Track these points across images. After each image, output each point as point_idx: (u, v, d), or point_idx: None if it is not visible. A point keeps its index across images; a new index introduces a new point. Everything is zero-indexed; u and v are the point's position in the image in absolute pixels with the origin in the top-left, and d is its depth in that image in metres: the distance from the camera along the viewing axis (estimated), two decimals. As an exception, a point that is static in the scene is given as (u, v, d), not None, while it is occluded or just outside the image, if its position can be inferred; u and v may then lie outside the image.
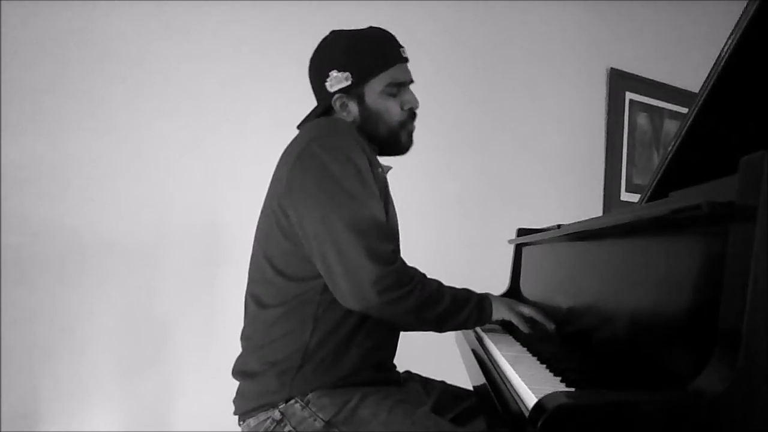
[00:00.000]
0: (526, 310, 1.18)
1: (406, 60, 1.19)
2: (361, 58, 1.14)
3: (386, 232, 1.03)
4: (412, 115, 1.19)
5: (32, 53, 1.64)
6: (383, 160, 1.20)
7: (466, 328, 1.12)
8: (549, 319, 1.17)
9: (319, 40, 1.21)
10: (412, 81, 1.19)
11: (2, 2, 1.59)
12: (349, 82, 1.14)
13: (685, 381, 0.56)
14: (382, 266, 0.97)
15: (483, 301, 1.12)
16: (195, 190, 1.87)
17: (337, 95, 1.15)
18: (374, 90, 1.15)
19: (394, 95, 1.16)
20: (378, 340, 1.12)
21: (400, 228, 1.20)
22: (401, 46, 1.18)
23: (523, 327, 1.17)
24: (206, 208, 1.89)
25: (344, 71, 1.13)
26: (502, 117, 2.56)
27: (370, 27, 1.19)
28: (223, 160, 1.91)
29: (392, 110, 1.16)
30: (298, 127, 1.23)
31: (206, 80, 1.88)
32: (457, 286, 1.12)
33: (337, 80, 1.14)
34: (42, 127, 1.65)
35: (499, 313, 1.15)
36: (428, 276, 1.07)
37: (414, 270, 1.04)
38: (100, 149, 1.72)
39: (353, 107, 1.16)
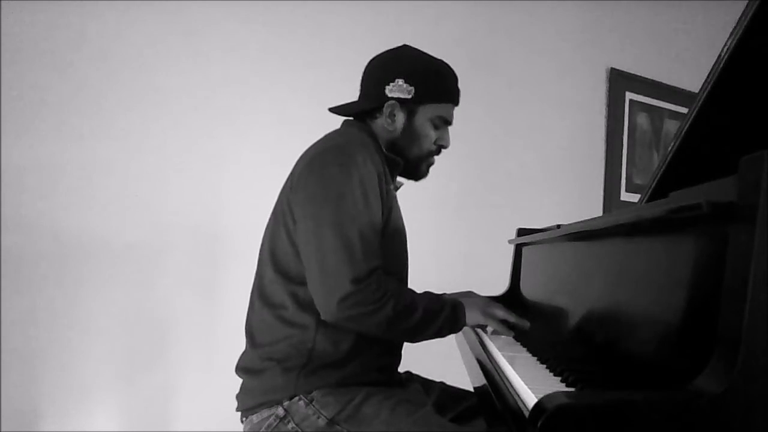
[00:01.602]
0: (500, 312, 1.19)
1: (457, 104, 1.25)
2: (431, 81, 1.19)
3: (373, 250, 1.04)
4: (439, 151, 1.25)
5: (32, 53, 1.64)
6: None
7: (440, 337, 1.13)
8: (522, 319, 1.19)
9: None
10: (451, 124, 1.25)
11: (2, 2, 1.59)
12: (409, 96, 1.17)
13: (685, 381, 0.56)
14: (356, 284, 0.99)
15: (456, 309, 1.12)
16: (195, 191, 1.87)
17: (392, 101, 1.18)
18: (425, 114, 1.20)
19: (437, 128, 1.22)
20: (383, 347, 1.13)
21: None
22: (460, 90, 1.25)
23: (499, 329, 1.19)
24: (206, 209, 1.89)
25: (411, 84, 1.17)
26: (502, 117, 2.56)
27: (443, 60, 1.24)
28: (223, 160, 1.91)
29: (429, 139, 1.22)
30: (332, 110, 1.26)
31: (206, 81, 1.88)
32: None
33: (399, 89, 1.17)
34: (42, 128, 1.65)
35: (473, 318, 1.16)
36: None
37: (388, 285, 1.03)
38: (100, 150, 1.72)
39: (400, 119, 1.19)
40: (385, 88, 1.18)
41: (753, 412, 0.54)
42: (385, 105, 1.18)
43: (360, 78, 1.25)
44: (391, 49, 1.23)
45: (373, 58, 1.24)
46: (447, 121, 1.23)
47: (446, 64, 1.23)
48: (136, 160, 1.77)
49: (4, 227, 1.59)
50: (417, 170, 1.25)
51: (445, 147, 1.25)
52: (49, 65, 1.66)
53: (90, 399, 1.70)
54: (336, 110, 1.25)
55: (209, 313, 1.88)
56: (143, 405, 1.78)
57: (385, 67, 1.21)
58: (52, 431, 1.64)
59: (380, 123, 1.20)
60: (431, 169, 1.29)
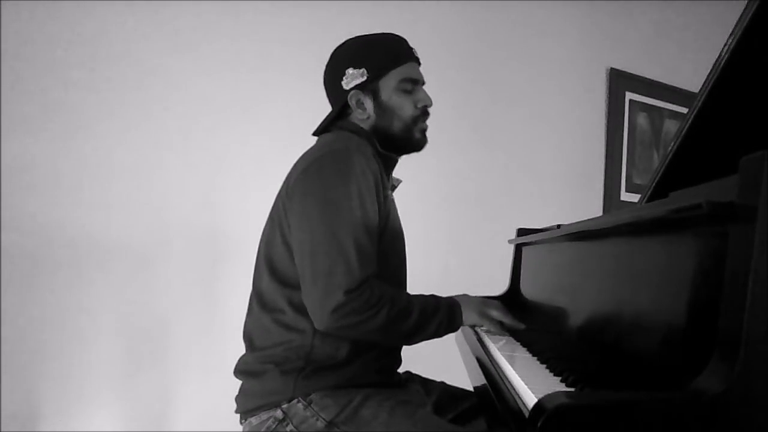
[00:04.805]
0: (495, 313, 1.19)
1: (417, 60, 1.22)
2: (375, 54, 1.17)
3: (368, 258, 1.03)
4: (424, 112, 1.22)
5: (32, 53, 1.64)
6: (403, 161, 1.24)
7: (437, 337, 1.13)
8: (517, 321, 1.20)
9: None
10: (423, 81, 1.22)
11: (2, 2, 1.59)
12: (364, 78, 1.16)
13: (685, 381, 0.56)
14: (349, 294, 0.98)
15: (453, 309, 1.12)
16: (195, 191, 1.87)
17: (352, 92, 1.17)
18: (389, 86, 1.17)
19: (408, 92, 1.19)
20: (382, 350, 1.12)
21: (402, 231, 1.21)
22: (412, 48, 1.22)
23: (494, 329, 1.19)
24: (206, 208, 1.89)
25: (360, 67, 1.16)
26: (502, 117, 2.56)
27: (381, 33, 1.22)
28: (223, 161, 1.91)
29: (406, 107, 1.19)
30: (314, 134, 1.25)
31: (207, 81, 1.88)
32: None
33: (353, 77, 1.16)
34: (42, 128, 1.65)
35: (470, 319, 1.16)
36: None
37: (382, 291, 1.03)
38: (100, 149, 1.72)
39: (369, 104, 1.18)
40: (341, 84, 1.17)
41: (753, 412, 0.54)
42: (349, 98, 1.17)
43: None
44: (331, 53, 1.23)
45: (324, 70, 1.23)
46: (414, 81, 1.19)
47: (386, 33, 1.22)
48: (135, 159, 1.77)
49: (4, 227, 1.59)
50: (411, 141, 1.21)
51: (428, 105, 1.21)
52: (49, 65, 1.66)
53: (90, 399, 1.70)
54: (317, 132, 1.25)
55: (209, 314, 1.88)
56: (143, 405, 1.78)
57: (332, 67, 1.21)
58: (51, 431, 1.64)
59: (355, 117, 1.19)
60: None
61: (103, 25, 1.73)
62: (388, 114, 1.18)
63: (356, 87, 1.16)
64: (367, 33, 1.22)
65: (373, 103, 1.18)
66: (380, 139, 1.19)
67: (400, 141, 1.20)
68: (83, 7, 1.70)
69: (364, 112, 1.18)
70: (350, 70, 1.16)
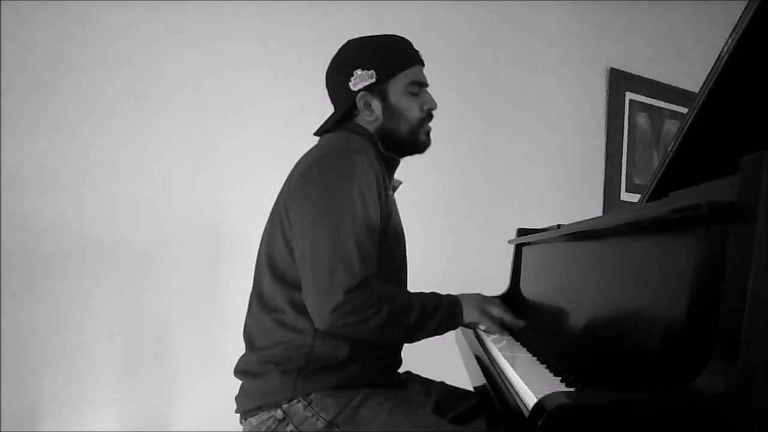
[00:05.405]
0: (495, 311, 1.19)
1: (422, 63, 1.22)
2: (385, 56, 1.17)
3: (369, 259, 1.03)
4: (429, 115, 1.22)
5: (32, 53, 1.64)
6: (403, 161, 1.24)
7: (438, 334, 1.13)
8: (517, 319, 1.20)
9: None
10: (428, 84, 1.23)
11: (2, 2, 1.59)
12: (373, 80, 1.16)
13: (685, 381, 0.56)
14: (349, 293, 0.98)
15: (454, 306, 1.12)
16: (195, 191, 1.87)
17: (360, 93, 1.16)
18: (397, 88, 1.18)
19: (415, 94, 1.19)
20: (382, 350, 1.13)
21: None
22: (417, 50, 1.22)
23: (493, 329, 1.18)
24: (206, 208, 1.89)
25: (369, 69, 1.15)
26: (502, 117, 2.56)
27: (386, 34, 1.22)
28: (222, 160, 1.91)
29: (413, 109, 1.19)
30: (316, 134, 1.25)
31: (206, 81, 1.88)
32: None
33: (361, 78, 1.16)
34: (42, 127, 1.65)
35: (471, 316, 1.16)
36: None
37: (382, 289, 1.03)
38: (100, 149, 1.72)
39: (376, 105, 1.18)
40: (348, 86, 1.17)
41: (753, 412, 0.54)
42: (357, 100, 1.17)
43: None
44: (337, 51, 1.23)
45: (327, 69, 1.23)
46: (421, 83, 1.20)
47: (391, 35, 1.22)
48: (136, 159, 1.77)
49: (4, 227, 1.59)
50: (416, 143, 1.22)
51: (432, 109, 1.22)
52: (49, 65, 1.66)
53: (90, 399, 1.70)
54: (320, 132, 1.24)
55: (209, 314, 1.88)
56: (143, 405, 1.78)
57: (339, 67, 1.20)
58: (52, 431, 1.64)
59: (362, 119, 1.19)
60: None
61: (104, 26, 1.73)
62: (396, 116, 1.18)
63: (364, 89, 1.16)
64: (367, 33, 1.22)
65: (382, 105, 1.18)
66: (385, 140, 1.19)
67: (406, 143, 1.21)
68: (84, 7, 1.70)
69: (372, 114, 1.18)
70: (359, 72, 1.16)
